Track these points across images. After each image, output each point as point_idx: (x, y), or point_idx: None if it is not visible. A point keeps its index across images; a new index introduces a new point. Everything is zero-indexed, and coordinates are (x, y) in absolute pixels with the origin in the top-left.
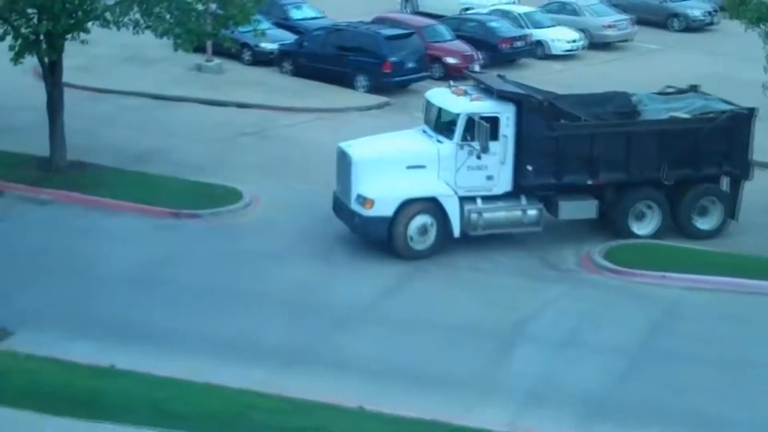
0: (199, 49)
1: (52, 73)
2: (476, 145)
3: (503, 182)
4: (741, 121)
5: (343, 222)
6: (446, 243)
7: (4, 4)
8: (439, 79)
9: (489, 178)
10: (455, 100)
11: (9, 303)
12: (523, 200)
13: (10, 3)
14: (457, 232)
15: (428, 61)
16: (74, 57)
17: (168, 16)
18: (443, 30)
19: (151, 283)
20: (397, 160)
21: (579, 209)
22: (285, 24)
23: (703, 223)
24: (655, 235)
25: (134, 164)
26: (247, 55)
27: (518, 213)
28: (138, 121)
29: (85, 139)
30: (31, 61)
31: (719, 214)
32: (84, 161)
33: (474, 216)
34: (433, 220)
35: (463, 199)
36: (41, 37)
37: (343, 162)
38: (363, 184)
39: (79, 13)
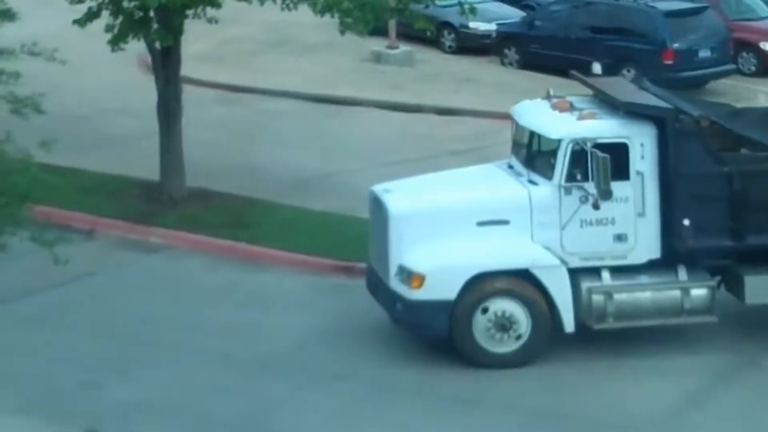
0: (378, 31)
1: (165, 64)
2: (590, 187)
3: (645, 245)
4: None
5: (381, 306)
6: (558, 340)
7: None
8: (751, 75)
9: (620, 238)
10: (554, 119)
11: (102, 393)
12: (683, 273)
13: None
14: (570, 323)
15: (731, 48)
16: (198, 42)
17: None
18: (755, 3)
19: (311, 373)
20: (462, 213)
21: None
22: None
23: None
24: None
25: (285, 195)
26: (449, 40)
27: (674, 294)
28: (289, 132)
29: (211, 157)
30: (136, 47)
31: None
32: (210, 189)
33: (598, 299)
34: (524, 306)
35: (578, 273)
36: (151, 13)
37: (378, 215)
38: (407, 251)
39: None
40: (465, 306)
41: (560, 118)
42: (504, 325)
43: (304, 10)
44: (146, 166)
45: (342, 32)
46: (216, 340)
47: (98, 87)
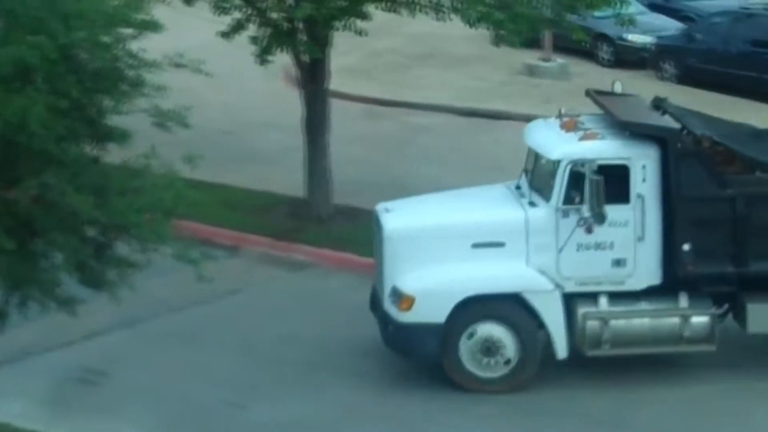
0: (531, 43)
1: (312, 77)
2: (585, 209)
3: (645, 271)
4: None
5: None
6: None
7: None
8: None
9: (618, 263)
10: (557, 139)
11: (245, 413)
12: (684, 300)
13: None
14: (562, 349)
15: None
16: (345, 54)
17: None
18: None
19: (449, 394)
20: (458, 234)
21: None
22: (665, 6)
23: None
24: None
25: None
26: (605, 52)
27: (673, 321)
28: (437, 147)
29: (357, 173)
30: (281, 59)
31: None
32: (357, 207)
33: (593, 325)
34: (513, 330)
35: (574, 297)
36: (299, 25)
37: (377, 234)
38: (400, 272)
39: None
40: (453, 330)
41: (563, 138)
42: (490, 349)
43: (456, 22)
44: (291, 181)
45: (496, 44)
46: (359, 359)
47: (243, 101)
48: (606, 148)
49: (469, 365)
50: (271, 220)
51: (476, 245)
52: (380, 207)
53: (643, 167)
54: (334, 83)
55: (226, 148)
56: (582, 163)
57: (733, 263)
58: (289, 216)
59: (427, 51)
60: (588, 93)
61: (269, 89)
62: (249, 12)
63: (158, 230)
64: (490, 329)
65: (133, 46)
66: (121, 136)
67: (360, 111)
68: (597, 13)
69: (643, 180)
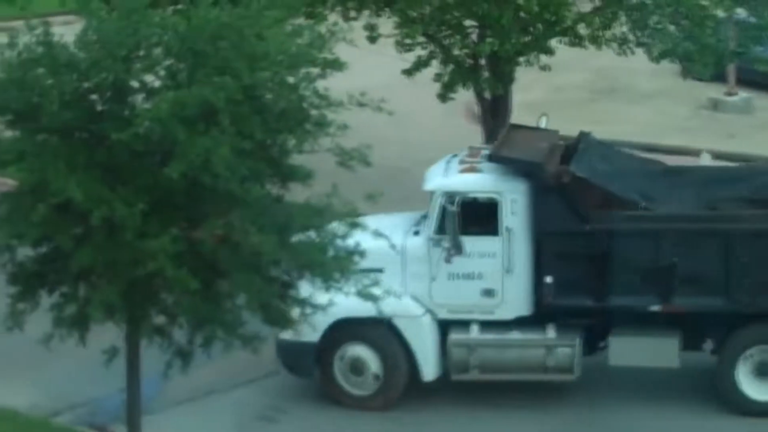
0: (716, 77)
1: (494, 113)
2: (446, 240)
3: (513, 301)
4: None
5: None
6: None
7: (430, 15)
8: None
9: (488, 293)
10: (439, 171)
11: None
12: (551, 331)
13: (438, 12)
14: (428, 373)
15: None
16: (527, 90)
17: (672, 28)
18: None
19: None
20: None
21: (644, 351)
22: None
23: None
24: None
25: None
26: None
27: (538, 352)
28: None
29: None
30: (463, 95)
31: None
32: None
33: (460, 351)
34: (378, 352)
35: (449, 324)
36: (482, 61)
37: None
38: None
39: (539, 26)
40: (327, 349)
41: (446, 169)
42: (359, 368)
43: (639, 55)
44: None
45: (684, 76)
46: None
47: (423, 137)
48: (478, 182)
49: (343, 382)
50: None
51: (361, 270)
52: None
53: (513, 201)
54: (516, 119)
55: (405, 186)
56: (453, 195)
57: (593, 297)
58: None
59: (611, 85)
60: (511, 127)
61: (450, 126)
62: (432, 49)
63: (342, 269)
64: (358, 350)
65: (318, 85)
66: (305, 175)
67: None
68: None
69: (513, 213)
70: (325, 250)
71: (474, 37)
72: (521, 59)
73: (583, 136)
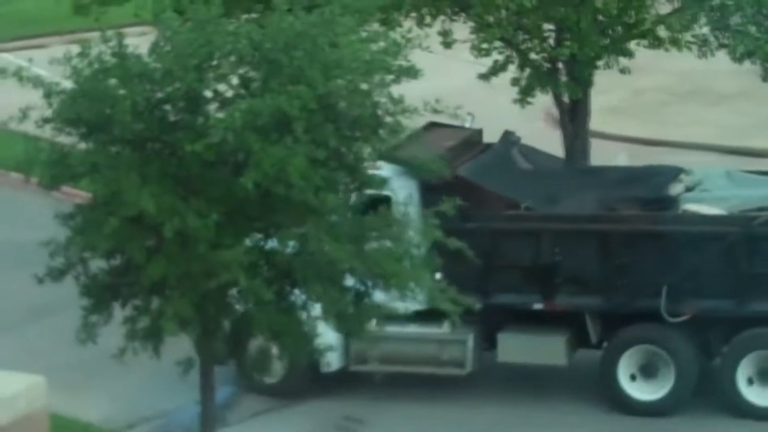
0: None
1: (573, 117)
2: None
3: (411, 296)
4: None
5: None
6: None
7: (506, 20)
8: None
9: None
10: None
11: None
12: (446, 326)
13: (515, 17)
14: (329, 364)
15: None
16: (606, 93)
17: (753, 29)
18: None
19: None
20: None
21: (531, 348)
22: None
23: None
24: (674, 403)
25: None
26: None
27: (432, 346)
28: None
29: None
30: (542, 100)
31: None
32: None
33: (359, 343)
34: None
35: None
36: (560, 65)
37: None
38: None
39: (618, 28)
40: None
41: None
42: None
43: (721, 57)
44: None
45: (764, 78)
46: None
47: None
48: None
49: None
50: None
51: None
52: None
53: (406, 198)
54: (595, 123)
55: None
56: None
57: (479, 294)
58: None
59: (691, 88)
60: (428, 125)
61: (530, 130)
62: (509, 53)
63: (417, 278)
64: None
65: (392, 90)
66: (380, 183)
67: (620, 151)
68: None
69: (404, 211)
70: (401, 259)
71: (551, 41)
72: (600, 62)
73: (506, 135)
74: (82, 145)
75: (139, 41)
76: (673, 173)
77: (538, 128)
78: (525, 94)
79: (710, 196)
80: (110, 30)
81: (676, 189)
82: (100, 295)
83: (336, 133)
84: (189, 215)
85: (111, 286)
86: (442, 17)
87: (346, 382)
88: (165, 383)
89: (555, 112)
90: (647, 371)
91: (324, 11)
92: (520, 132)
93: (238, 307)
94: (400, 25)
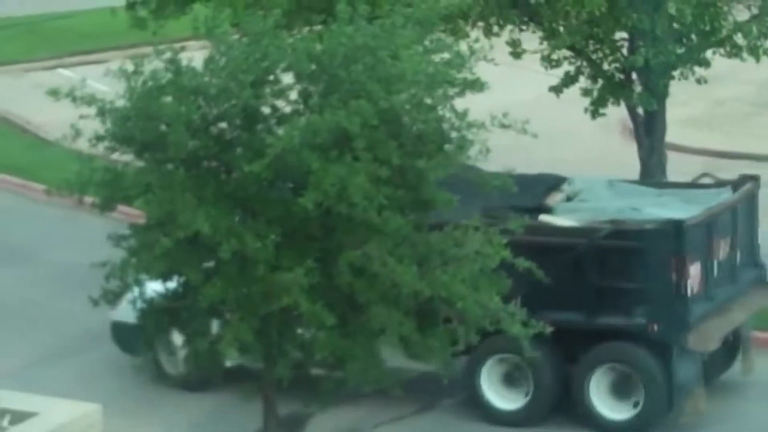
0: None
1: (649, 130)
2: None
3: None
4: (653, 240)
5: None
6: None
7: (576, 28)
8: None
9: None
10: None
11: None
12: None
13: (586, 26)
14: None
15: None
16: (684, 104)
17: None
18: None
19: None
20: None
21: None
22: None
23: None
24: (530, 414)
25: None
26: None
27: None
28: None
29: None
30: (617, 112)
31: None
32: None
33: None
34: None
35: None
36: (633, 75)
37: None
38: None
39: (693, 36)
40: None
41: None
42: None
43: None
44: None
45: None
46: None
47: (577, 157)
48: None
49: (164, 364)
50: None
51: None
52: None
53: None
54: (672, 135)
55: None
56: None
57: None
58: None
59: None
60: None
61: (606, 144)
62: (580, 64)
63: (484, 302)
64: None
65: (456, 104)
66: (446, 202)
67: (699, 165)
68: None
69: None
70: (467, 281)
71: (624, 50)
72: (675, 72)
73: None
74: (137, 163)
75: (200, 55)
76: (554, 182)
77: (617, 141)
78: (597, 106)
79: (586, 206)
80: (165, 44)
81: (554, 198)
82: (158, 319)
83: (399, 149)
84: (247, 236)
85: (168, 310)
86: (510, 27)
87: None
88: (226, 410)
89: (630, 125)
90: (508, 381)
91: (384, 22)
92: (597, 145)
93: (301, 331)
94: (467, 35)
